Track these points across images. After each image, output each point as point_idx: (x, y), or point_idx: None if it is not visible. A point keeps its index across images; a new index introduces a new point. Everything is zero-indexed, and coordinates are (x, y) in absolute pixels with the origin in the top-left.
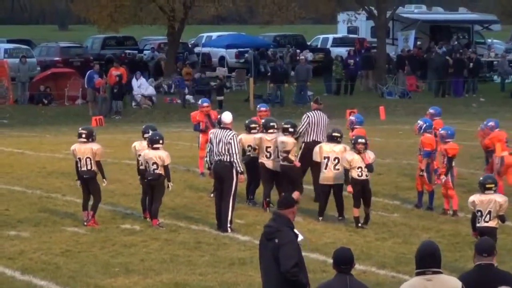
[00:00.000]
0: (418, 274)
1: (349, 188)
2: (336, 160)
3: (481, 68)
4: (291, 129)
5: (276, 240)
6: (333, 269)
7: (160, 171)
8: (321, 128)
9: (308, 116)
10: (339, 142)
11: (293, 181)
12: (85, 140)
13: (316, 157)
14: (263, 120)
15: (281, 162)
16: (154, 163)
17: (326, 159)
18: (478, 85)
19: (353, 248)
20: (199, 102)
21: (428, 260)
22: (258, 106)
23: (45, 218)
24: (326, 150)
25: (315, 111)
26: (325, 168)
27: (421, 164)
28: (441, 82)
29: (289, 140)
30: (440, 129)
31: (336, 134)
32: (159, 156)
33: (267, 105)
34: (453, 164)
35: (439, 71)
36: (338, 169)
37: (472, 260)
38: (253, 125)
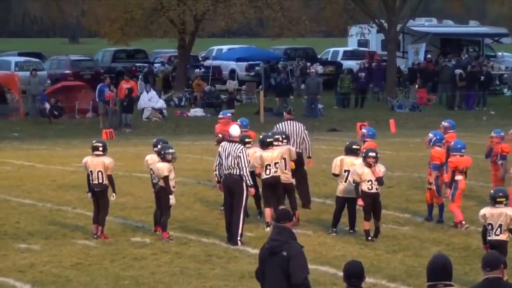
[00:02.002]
0: (429, 287)
1: (360, 201)
2: None
3: (491, 81)
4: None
5: (285, 253)
6: (344, 282)
7: (162, 183)
8: (294, 139)
9: (277, 127)
10: (358, 155)
11: (280, 195)
12: (101, 153)
13: (335, 169)
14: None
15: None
16: (156, 175)
17: (347, 172)
18: (488, 98)
19: (363, 261)
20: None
21: (439, 273)
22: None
23: (55, 231)
24: (347, 163)
25: (287, 121)
26: (345, 181)
27: (430, 177)
28: (452, 95)
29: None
30: (452, 142)
31: (356, 147)
32: (157, 168)
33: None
34: (460, 177)
35: (446, 84)
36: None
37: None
38: (247, 140)
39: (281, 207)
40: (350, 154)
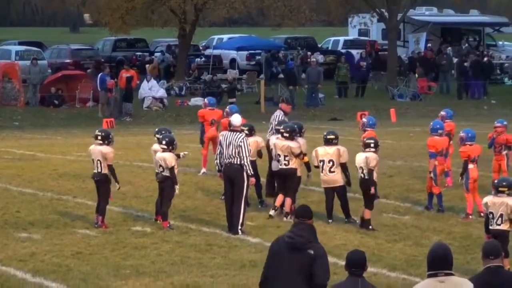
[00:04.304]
0: (430, 276)
1: (372, 190)
2: (331, 163)
3: (493, 70)
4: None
5: (312, 252)
6: (345, 270)
7: (167, 173)
8: None
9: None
10: (335, 144)
11: (291, 187)
12: (100, 142)
13: (314, 161)
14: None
15: (283, 166)
16: (160, 165)
17: (322, 162)
18: (489, 87)
19: (364, 250)
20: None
21: (440, 262)
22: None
23: (56, 220)
24: (321, 153)
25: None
26: (322, 171)
27: (429, 166)
28: (459, 84)
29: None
30: (462, 132)
31: (330, 136)
32: (163, 158)
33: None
34: (472, 166)
35: (446, 73)
36: (333, 172)
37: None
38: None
39: (303, 203)
40: (325, 144)
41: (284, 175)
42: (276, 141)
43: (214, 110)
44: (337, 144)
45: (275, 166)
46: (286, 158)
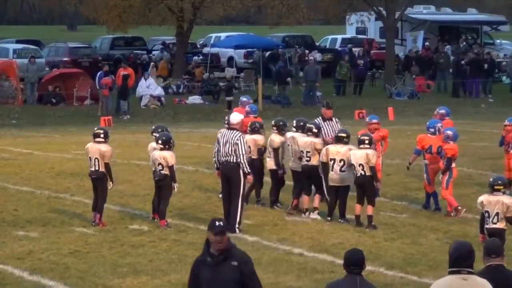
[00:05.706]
0: (451, 272)
1: (379, 185)
2: (342, 162)
3: (494, 68)
4: (315, 130)
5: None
6: (343, 269)
7: (166, 171)
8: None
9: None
10: (345, 143)
11: (317, 183)
12: (102, 140)
13: (323, 158)
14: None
15: (305, 163)
16: (159, 163)
17: (332, 161)
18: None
19: (361, 249)
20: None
21: (464, 260)
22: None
23: (53, 219)
24: (332, 152)
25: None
26: (332, 170)
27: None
28: (454, 83)
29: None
30: (445, 129)
31: (341, 134)
32: (163, 156)
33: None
34: (453, 165)
35: (444, 71)
36: (344, 171)
37: (481, 261)
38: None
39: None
40: (337, 142)
41: (307, 172)
42: (298, 138)
43: (257, 118)
44: (347, 143)
45: (270, 164)
46: (308, 155)
